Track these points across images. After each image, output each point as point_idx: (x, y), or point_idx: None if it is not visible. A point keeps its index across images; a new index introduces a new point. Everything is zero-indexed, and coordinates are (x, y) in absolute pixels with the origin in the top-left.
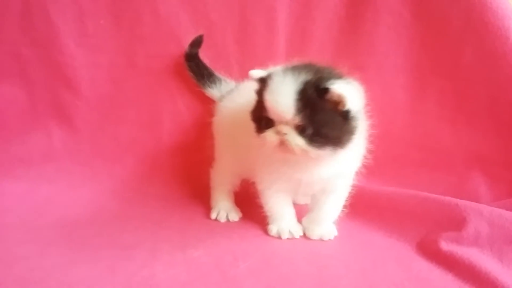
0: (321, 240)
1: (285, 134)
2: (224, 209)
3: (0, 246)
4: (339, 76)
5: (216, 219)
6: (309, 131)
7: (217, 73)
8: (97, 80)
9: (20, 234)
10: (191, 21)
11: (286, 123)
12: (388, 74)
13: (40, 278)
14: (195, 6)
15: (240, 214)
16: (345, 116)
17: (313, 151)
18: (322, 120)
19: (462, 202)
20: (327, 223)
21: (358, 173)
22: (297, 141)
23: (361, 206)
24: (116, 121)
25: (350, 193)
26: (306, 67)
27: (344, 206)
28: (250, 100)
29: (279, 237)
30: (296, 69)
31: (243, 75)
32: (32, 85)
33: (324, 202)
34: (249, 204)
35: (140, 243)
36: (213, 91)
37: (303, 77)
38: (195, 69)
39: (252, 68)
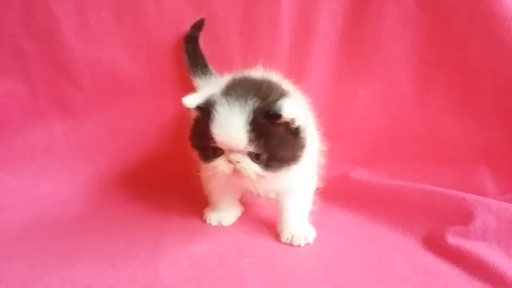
0: (299, 245)
1: (238, 162)
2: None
3: (1, 242)
4: (283, 93)
5: None
6: (264, 156)
7: (210, 66)
8: (99, 74)
9: (21, 230)
10: (195, 13)
11: (238, 151)
12: (393, 66)
13: (42, 274)
14: None
15: (242, 208)
16: (296, 132)
17: (270, 175)
18: (276, 144)
19: (470, 196)
20: (299, 224)
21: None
22: (253, 167)
23: (366, 200)
24: (118, 115)
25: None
26: (248, 88)
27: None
28: None
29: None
30: (239, 95)
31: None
32: (33, 80)
33: (288, 204)
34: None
35: (143, 238)
36: (201, 82)
37: (250, 105)
38: (191, 54)
39: (256, 60)
